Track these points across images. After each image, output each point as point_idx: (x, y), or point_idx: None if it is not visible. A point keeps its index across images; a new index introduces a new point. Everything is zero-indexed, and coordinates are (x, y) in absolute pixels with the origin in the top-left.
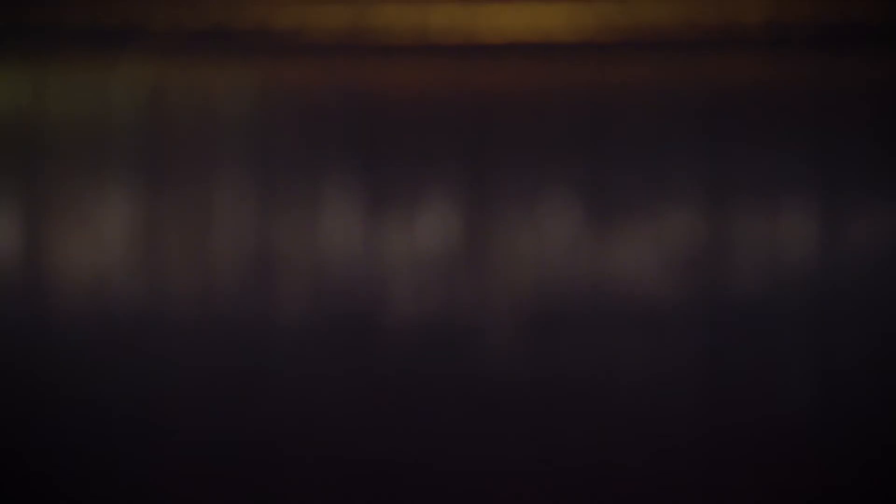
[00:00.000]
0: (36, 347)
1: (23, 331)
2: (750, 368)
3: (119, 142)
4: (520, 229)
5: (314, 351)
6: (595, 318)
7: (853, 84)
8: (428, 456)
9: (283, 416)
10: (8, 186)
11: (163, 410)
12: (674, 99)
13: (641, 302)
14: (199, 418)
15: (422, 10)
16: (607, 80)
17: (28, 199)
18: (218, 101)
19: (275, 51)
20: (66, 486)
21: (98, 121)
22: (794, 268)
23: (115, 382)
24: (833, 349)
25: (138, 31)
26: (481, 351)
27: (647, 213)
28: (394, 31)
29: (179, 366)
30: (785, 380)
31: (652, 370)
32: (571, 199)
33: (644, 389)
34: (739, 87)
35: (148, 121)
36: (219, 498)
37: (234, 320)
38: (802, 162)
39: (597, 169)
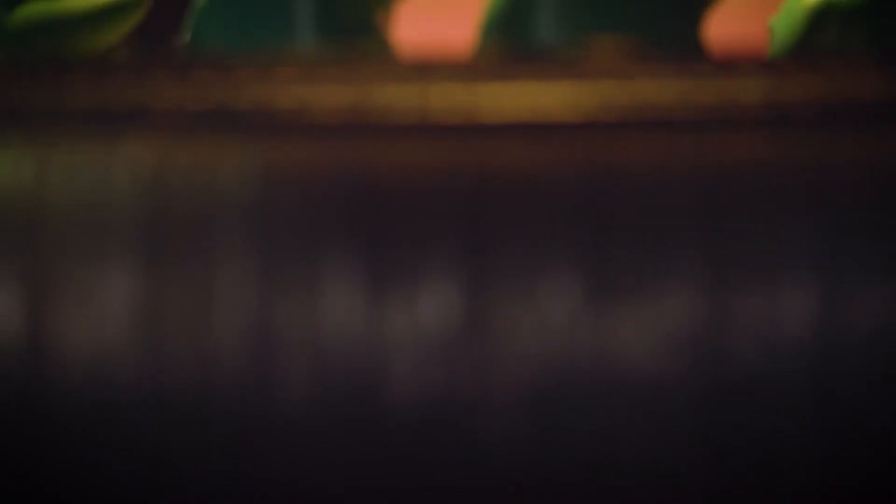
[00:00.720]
0: (37, 423)
1: (23, 407)
2: (750, 444)
3: (121, 221)
4: (521, 307)
5: (315, 428)
6: (597, 394)
7: (853, 162)
8: None
9: (283, 494)
10: (9, 266)
11: (163, 486)
12: (674, 177)
13: (643, 378)
14: (198, 495)
15: (422, 91)
16: (607, 158)
17: (30, 277)
18: (220, 180)
19: (276, 131)
20: None
21: (100, 201)
22: (795, 345)
23: (116, 458)
24: (834, 426)
25: (140, 111)
26: (483, 428)
27: (647, 291)
28: (394, 111)
29: (180, 442)
30: (786, 456)
31: (653, 445)
32: (572, 276)
33: (646, 465)
34: (739, 166)
35: (149, 200)
36: None
37: (235, 398)
38: (803, 240)
39: (597, 247)
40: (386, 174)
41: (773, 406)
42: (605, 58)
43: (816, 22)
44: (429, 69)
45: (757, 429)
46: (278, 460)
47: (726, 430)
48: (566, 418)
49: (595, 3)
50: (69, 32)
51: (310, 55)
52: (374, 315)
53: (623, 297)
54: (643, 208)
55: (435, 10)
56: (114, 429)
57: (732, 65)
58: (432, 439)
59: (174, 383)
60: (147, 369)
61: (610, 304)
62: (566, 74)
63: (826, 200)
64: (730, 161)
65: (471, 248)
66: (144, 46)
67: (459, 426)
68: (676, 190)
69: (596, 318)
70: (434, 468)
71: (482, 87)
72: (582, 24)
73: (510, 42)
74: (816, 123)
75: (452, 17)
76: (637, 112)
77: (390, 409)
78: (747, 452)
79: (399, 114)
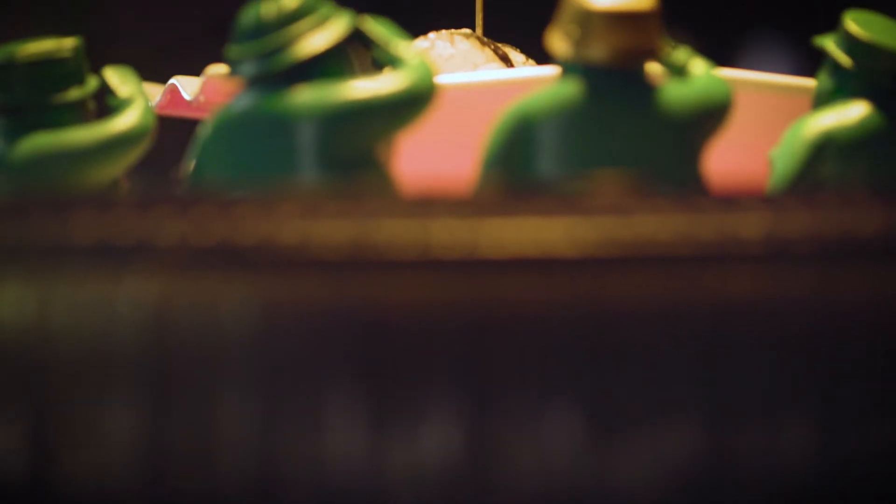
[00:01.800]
0: None
1: None
2: None
3: (124, 357)
4: (522, 444)
5: None
6: None
7: (853, 298)
8: None
9: None
10: (13, 402)
11: None
12: (674, 313)
13: None
14: None
15: (423, 226)
16: (608, 294)
17: (33, 414)
18: (222, 316)
19: (278, 266)
20: None
21: (103, 336)
22: (794, 482)
23: None
24: None
25: (142, 247)
26: None
27: (648, 428)
28: (396, 246)
29: None
30: None
31: None
32: (574, 413)
33: None
34: (739, 301)
35: (152, 336)
36: None
37: None
38: (802, 376)
39: (598, 383)
40: (387, 309)
41: None
42: (605, 193)
43: (816, 155)
44: (430, 205)
45: None
46: None
47: None
48: None
49: (594, 138)
50: (72, 166)
51: (311, 190)
52: (376, 451)
53: (624, 433)
54: (643, 344)
55: (436, 145)
56: None
57: (732, 200)
58: None
59: None
60: (151, 502)
61: (611, 440)
62: (566, 210)
63: (826, 336)
64: (730, 297)
65: (472, 384)
66: (147, 181)
67: None
68: (676, 326)
69: (597, 454)
70: None
71: (483, 222)
72: (581, 159)
73: (511, 178)
74: (816, 259)
75: (453, 152)
76: (637, 247)
77: None
78: None
79: (400, 249)
